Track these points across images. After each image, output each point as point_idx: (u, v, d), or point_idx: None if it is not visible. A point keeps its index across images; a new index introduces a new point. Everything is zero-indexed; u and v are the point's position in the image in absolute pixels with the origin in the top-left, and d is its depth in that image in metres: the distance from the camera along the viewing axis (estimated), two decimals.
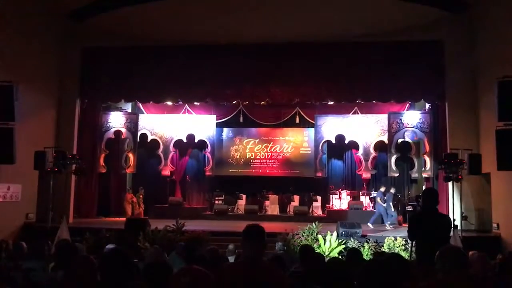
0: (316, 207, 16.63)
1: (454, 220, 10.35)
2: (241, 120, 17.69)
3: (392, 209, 14.03)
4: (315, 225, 10.60)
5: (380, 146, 16.18)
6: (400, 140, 15.12)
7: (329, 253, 9.65)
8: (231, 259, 6.85)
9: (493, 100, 8.34)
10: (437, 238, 4.67)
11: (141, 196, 16.52)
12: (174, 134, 17.13)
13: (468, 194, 11.28)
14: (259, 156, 18.20)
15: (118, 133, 16.10)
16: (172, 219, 11.48)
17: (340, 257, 8.38)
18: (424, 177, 15.11)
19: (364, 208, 15.87)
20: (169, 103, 16.29)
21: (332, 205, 16.62)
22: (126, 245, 8.99)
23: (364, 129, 16.35)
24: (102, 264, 3.23)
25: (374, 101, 15.26)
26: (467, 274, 3.38)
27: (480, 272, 4.46)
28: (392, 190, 14.33)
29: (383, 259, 3.49)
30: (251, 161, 18.22)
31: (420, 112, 15.30)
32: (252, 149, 18.25)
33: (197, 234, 10.43)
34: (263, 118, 18.03)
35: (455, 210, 11.10)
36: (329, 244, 10.01)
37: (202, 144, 17.58)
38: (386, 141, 15.35)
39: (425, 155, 14.71)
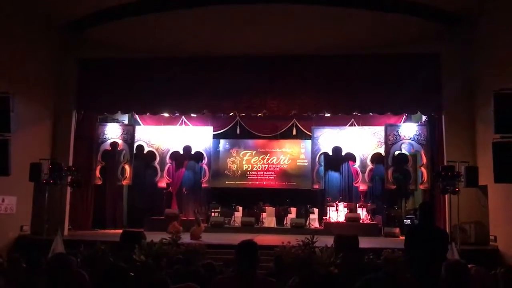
0: (313, 220, 16.52)
1: (451, 233, 10.30)
2: (238, 131, 17.65)
3: None
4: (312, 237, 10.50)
5: (377, 158, 16.18)
6: (397, 152, 15.12)
7: (326, 267, 9.55)
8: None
9: (489, 113, 8.34)
10: (433, 252, 4.64)
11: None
12: (171, 145, 17.08)
13: (465, 207, 11.24)
14: (256, 168, 18.14)
15: (114, 144, 16.04)
16: None
17: (336, 271, 8.29)
18: (421, 189, 15.09)
19: (361, 221, 15.81)
20: (166, 114, 16.27)
21: (329, 217, 16.54)
22: (121, 258, 8.89)
23: (361, 141, 16.36)
24: (97, 277, 3.18)
25: (370, 113, 15.30)
26: None
27: (478, 287, 4.43)
28: None
29: (380, 276, 3.45)
30: (248, 173, 18.15)
31: (417, 124, 15.34)
32: (249, 160, 18.20)
33: (193, 247, 10.34)
34: (260, 129, 18.00)
35: (452, 223, 11.05)
36: (326, 258, 9.91)
37: (198, 155, 17.52)
38: (383, 153, 15.35)
39: (422, 167, 14.70)
